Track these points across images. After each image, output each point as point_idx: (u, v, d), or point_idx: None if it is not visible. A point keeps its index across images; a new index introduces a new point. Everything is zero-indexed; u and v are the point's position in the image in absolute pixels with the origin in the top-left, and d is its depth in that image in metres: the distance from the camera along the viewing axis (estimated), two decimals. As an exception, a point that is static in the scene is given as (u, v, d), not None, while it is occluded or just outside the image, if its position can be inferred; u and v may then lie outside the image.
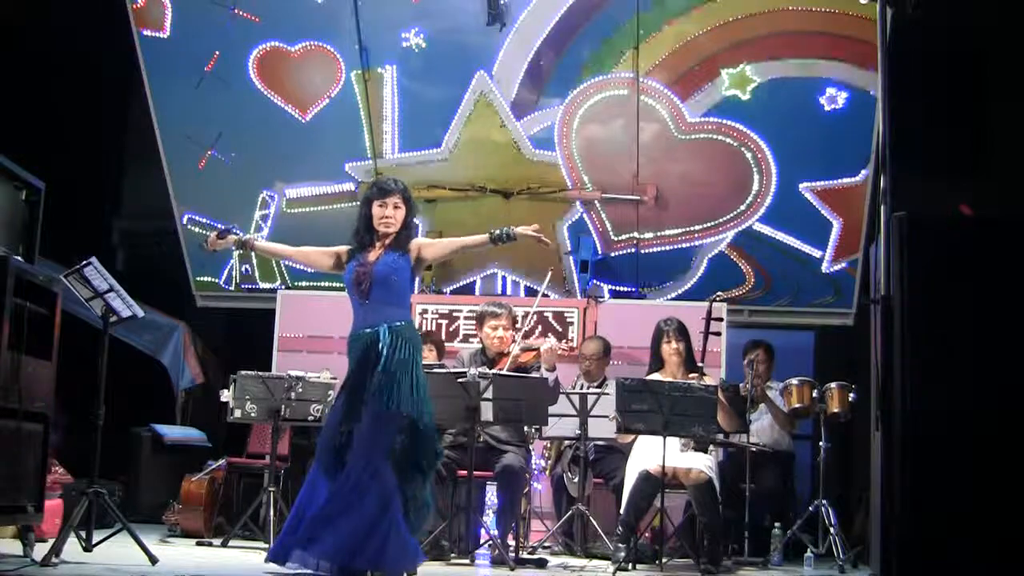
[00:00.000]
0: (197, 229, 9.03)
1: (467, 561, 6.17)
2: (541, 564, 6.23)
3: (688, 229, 8.71)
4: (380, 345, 4.99)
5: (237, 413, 6.93)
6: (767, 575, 6.44)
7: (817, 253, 8.57)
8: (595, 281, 8.68)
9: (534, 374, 6.54)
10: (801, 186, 8.48)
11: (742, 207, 8.57)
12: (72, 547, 5.49)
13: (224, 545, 6.79)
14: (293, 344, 8.35)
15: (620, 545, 6.08)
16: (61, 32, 8.86)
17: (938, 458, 4.66)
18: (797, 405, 6.94)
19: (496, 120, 8.65)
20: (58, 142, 8.70)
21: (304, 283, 9.04)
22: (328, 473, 5.01)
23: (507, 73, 8.58)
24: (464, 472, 6.24)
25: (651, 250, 8.79)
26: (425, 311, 8.32)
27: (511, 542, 6.46)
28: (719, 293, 6.92)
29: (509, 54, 8.53)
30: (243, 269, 9.12)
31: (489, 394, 6.12)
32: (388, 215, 5.17)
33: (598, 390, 6.85)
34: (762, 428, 7.39)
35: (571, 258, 8.81)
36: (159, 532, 7.37)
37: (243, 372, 6.97)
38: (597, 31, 8.38)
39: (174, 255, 9.10)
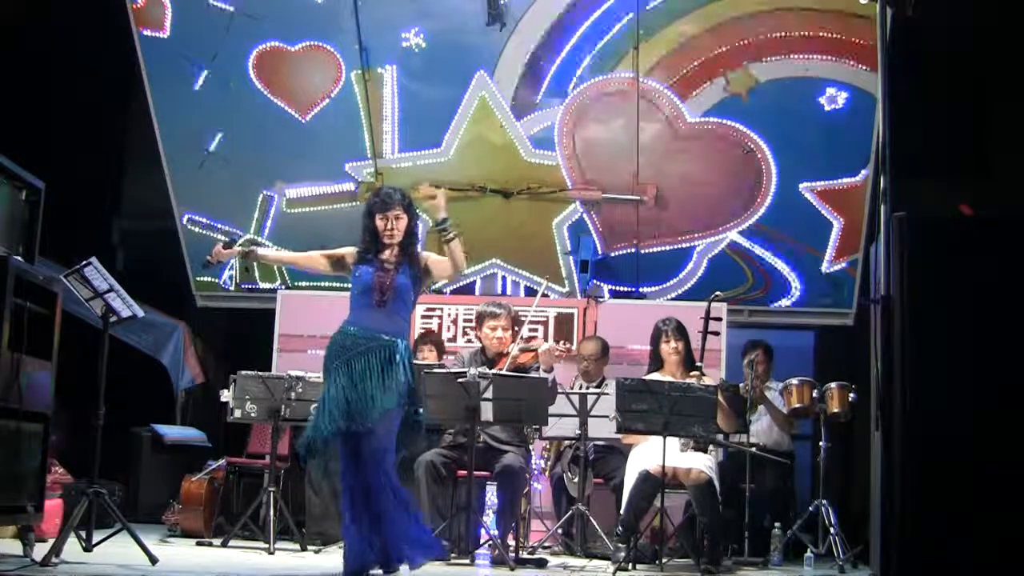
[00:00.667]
0: (197, 229, 9.04)
1: (467, 561, 6.17)
2: (541, 564, 6.23)
3: (688, 229, 8.72)
4: (398, 357, 5.14)
5: (237, 413, 6.94)
6: (767, 575, 6.44)
7: (817, 253, 8.58)
8: (595, 281, 8.68)
9: (532, 374, 6.54)
10: (801, 186, 8.49)
11: (742, 207, 8.57)
12: (72, 547, 5.49)
13: (224, 545, 6.79)
14: (293, 344, 8.36)
15: (620, 545, 6.08)
16: (61, 32, 8.85)
17: (938, 458, 4.65)
18: (797, 405, 6.94)
19: (496, 120, 8.65)
20: (58, 142, 8.70)
21: (304, 283, 9.03)
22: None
23: (507, 73, 8.58)
24: (464, 472, 6.24)
25: (651, 250, 8.79)
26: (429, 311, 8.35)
27: (511, 542, 6.47)
28: (718, 292, 6.92)
29: (509, 54, 8.53)
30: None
31: (489, 394, 6.12)
32: (391, 227, 5.28)
33: (597, 390, 6.85)
34: (762, 429, 7.39)
35: (571, 258, 8.81)
36: (159, 532, 7.37)
37: (243, 372, 6.97)
38: (597, 31, 8.39)
39: (174, 255, 9.11)
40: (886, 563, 4.68)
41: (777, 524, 6.82)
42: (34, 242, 5.73)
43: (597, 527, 6.61)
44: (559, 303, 8.50)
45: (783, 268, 8.65)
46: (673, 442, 6.10)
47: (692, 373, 6.46)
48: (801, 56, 8.21)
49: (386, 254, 5.30)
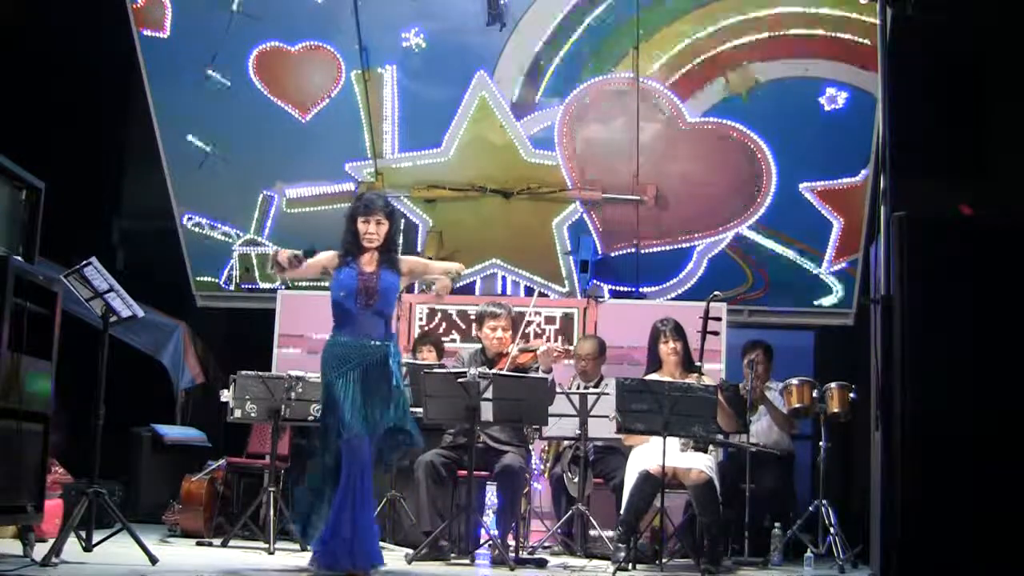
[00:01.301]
0: (197, 229, 9.04)
1: (467, 561, 6.17)
2: (541, 564, 6.22)
3: (688, 229, 8.72)
4: (391, 361, 5.30)
5: (237, 413, 6.94)
6: (767, 575, 6.44)
7: (817, 253, 8.58)
8: (595, 281, 8.68)
9: (532, 375, 6.54)
10: (801, 186, 8.49)
11: (742, 207, 8.58)
12: (72, 547, 5.49)
13: (224, 545, 6.78)
14: (293, 344, 8.36)
15: (620, 545, 6.08)
16: (61, 32, 8.85)
17: (938, 458, 4.66)
18: (797, 405, 6.94)
19: (496, 120, 8.66)
20: (58, 142, 8.70)
21: (304, 283, 9.03)
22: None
23: (507, 73, 8.59)
24: (464, 472, 6.24)
25: (651, 250, 8.79)
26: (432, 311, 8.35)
27: (511, 542, 6.46)
28: (717, 292, 6.92)
29: (509, 54, 8.54)
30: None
31: (489, 394, 6.12)
32: (371, 231, 5.41)
33: (596, 390, 6.85)
34: (762, 429, 7.39)
35: (571, 258, 8.81)
36: (159, 532, 7.37)
37: (243, 372, 6.97)
38: (597, 31, 8.39)
39: (174, 255, 9.10)
40: (886, 563, 4.68)
41: (777, 524, 6.81)
42: (34, 242, 5.73)
43: (597, 527, 6.61)
44: (559, 303, 8.50)
45: (783, 268, 8.64)
46: (673, 442, 6.10)
47: (691, 375, 6.46)
48: (801, 56, 8.21)
49: (366, 258, 5.40)
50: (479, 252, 8.69)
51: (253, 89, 8.74)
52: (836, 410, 6.80)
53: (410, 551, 6.21)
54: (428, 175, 8.78)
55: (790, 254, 8.64)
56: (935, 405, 4.69)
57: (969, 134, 8.68)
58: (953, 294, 4.77)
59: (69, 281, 5.67)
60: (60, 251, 7.29)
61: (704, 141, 8.52)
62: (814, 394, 6.87)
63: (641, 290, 8.82)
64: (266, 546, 6.51)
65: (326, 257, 5.50)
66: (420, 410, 6.15)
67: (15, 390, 5.22)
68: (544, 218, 8.86)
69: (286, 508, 6.82)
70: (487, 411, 6.13)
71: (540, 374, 6.53)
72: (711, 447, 6.46)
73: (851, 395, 6.77)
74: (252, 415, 6.93)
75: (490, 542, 6.21)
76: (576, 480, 6.87)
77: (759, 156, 8.44)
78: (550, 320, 8.29)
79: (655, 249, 8.79)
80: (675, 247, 8.76)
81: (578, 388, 7.16)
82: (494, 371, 6.29)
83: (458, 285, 8.80)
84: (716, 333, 6.84)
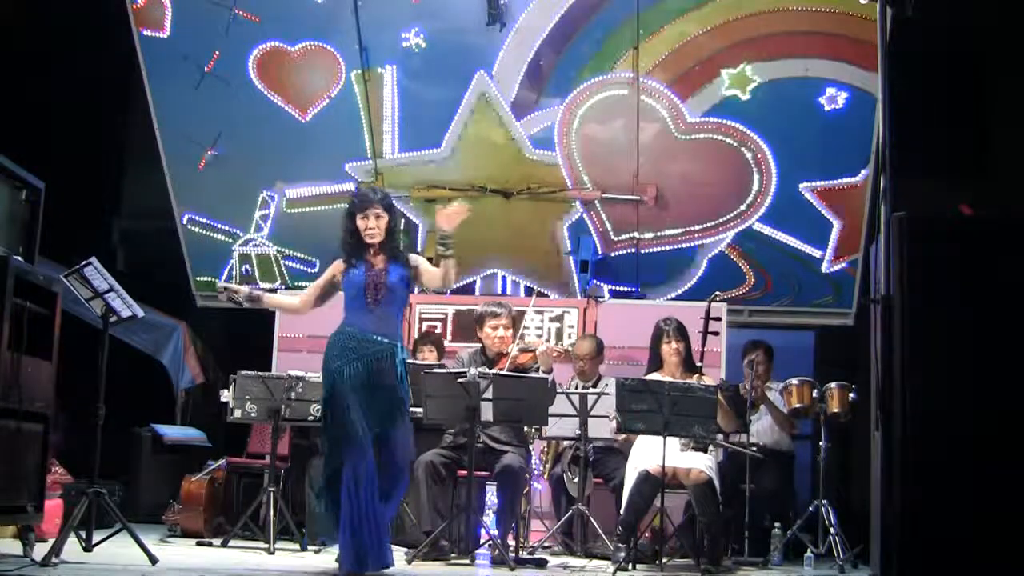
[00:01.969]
0: (197, 229, 9.04)
1: (467, 561, 6.17)
2: (541, 564, 6.23)
3: (688, 229, 8.72)
4: (397, 361, 5.25)
5: (237, 413, 6.94)
6: (767, 575, 6.44)
7: (817, 253, 8.58)
8: (595, 281, 8.68)
9: (532, 375, 6.54)
10: (801, 186, 8.49)
11: (742, 207, 8.58)
12: (72, 547, 5.49)
13: (224, 545, 6.79)
14: (293, 344, 8.35)
15: (620, 545, 6.08)
16: (61, 32, 8.86)
17: (938, 458, 4.66)
18: (797, 405, 6.94)
19: (496, 120, 8.66)
20: (58, 142, 8.70)
21: (304, 283, 9.02)
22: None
23: (507, 73, 8.59)
24: (464, 472, 6.24)
25: (651, 250, 8.79)
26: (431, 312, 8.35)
27: (511, 542, 6.46)
28: (717, 293, 6.92)
29: (509, 54, 8.54)
30: (243, 269, 9.13)
31: (489, 394, 6.12)
32: (371, 226, 5.34)
33: (596, 390, 6.85)
34: (763, 429, 7.39)
35: (571, 258, 8.81)
36: (159, 532, 7.37)
37: (243, 372, 6.97)
38: (597, 31, 8.40)
39: (174, 255, 9.10)
40: (886, 563, 4.68)
41: (777, 524, 6.81)
42: (34, 242, 5.74)
43: (597, 527, 6.61)
44: (559, 303, 8.49)
45: (783, 268, 8.64)
46: (673, 442, 6.10)
47: (691, 375, 6.46)
48: (801, 56, 8.21)
49: (371, 253, 5.35)
50: (479, 252, 8.69)
51: (253, 89, 8.74)
52: (836, 410, 6.80)
53: (410, 551, 6.21)
54: (428, 175, 8.78)
55: (790, 254, 8.64)
56: (935, 405, 4.69)
57: (969, 134, 8.68)
58: (953, 294, 4.76)
59: (69, 281, 5.67)
60: (60, 251, 7.30)
61: (704, 141, 8.51)
62: (814, 394, 6.88)
63: (641, 290, 8.82)
64: (266, 546, 6.51)
65: (332, 268, 5.45)
66: (420, 410, 6.15)
67: (15, 390, 5.22)
68: (544, 218, 8.86)
69: (286, 508, 6.83)
70: (487, 411, 6.13)
71: (540, 374, 6.54)
72: (711, 447, 6.46)
73: (851, 395, 6.77)
74: (252, 415, 6.94)
75: (490, 542, 6.21)
76: (576, 480, 6.87)
77: (759, 156, 8.44)
78: (555, 319, 8.29)
79: (655, 249, 8.79)
80: (675, 247, 8.76)
81: (576, 388, 7.16)
82: (494, 371, 6.29)
83: (458, 285, 8.86)
84: (716, 333, 6.84)
